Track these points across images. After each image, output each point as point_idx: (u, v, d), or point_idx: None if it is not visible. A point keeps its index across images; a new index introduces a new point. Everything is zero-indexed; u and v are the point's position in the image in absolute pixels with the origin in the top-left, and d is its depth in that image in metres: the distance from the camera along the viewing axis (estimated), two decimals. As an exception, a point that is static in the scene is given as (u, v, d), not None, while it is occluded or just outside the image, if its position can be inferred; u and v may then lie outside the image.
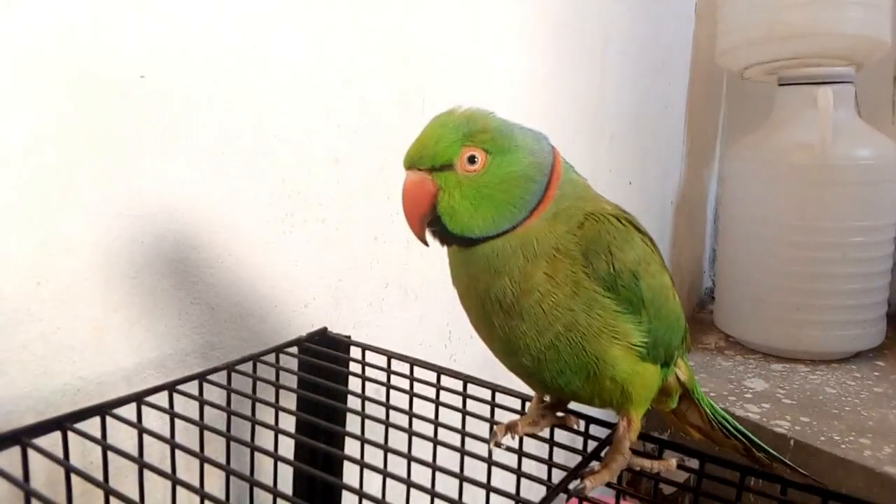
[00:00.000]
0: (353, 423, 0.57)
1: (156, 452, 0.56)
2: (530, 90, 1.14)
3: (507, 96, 1.08)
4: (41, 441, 0.44)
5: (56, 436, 0.45)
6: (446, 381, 0.61)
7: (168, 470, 0.48)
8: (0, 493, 0.49)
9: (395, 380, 0.61)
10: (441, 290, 0.93)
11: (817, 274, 1.50)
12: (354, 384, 0.61)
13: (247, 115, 0.66)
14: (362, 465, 0.47)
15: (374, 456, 0.51)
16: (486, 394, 0.58)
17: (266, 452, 0.47)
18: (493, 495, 0.48)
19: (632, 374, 0.46)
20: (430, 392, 0.59)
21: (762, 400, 1.36)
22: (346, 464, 0.54)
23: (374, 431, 0.55)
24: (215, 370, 0.56)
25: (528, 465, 0.50)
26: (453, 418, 0.56)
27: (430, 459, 0.48)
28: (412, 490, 0.46)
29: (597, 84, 1.37)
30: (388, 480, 0.46)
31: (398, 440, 0.53)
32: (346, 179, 0.78)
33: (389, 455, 0.50)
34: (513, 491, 0.45)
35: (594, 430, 0.54)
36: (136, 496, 0.43)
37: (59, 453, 0.44)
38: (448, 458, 0.50)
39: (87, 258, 0.55)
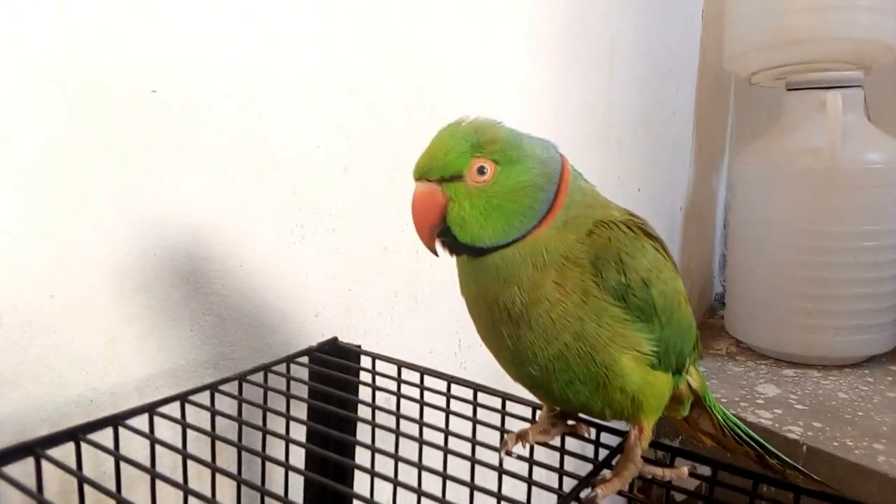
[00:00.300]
0: (363, 432, 0.57)
1: (168, 463, 0.56)
2: (538, 97, 1.15)
3: (515, 104, 1.08)
4: (55, 452, 0.44)
5: (69, 447, 0.46)
6: (456, 389, 0.61)
7: (180, 480, 0.48)
8: (15, 504, 0.49)
9: (405, 389, 0.61)
10: (450, 299, 0.93)
11: (828, 278, 1.49)
12: (365, 393, 0.61)
13: (257, 126, 0.67)
14: (373, 474, 0.47)
15: (384, 465, 0.51)
16: (496, 402, 0.58)
17: (277, 462, 0.47)
18: (503, 504, 0.48)
19: (643, 384, 0.46)
20: (441, 401, 0.59)
21: (774, 406, 1.35)
22: (357, 473, 0.54)
23: (385, 441, 0.55)
24: (227, 380, 0.57)
25: (539, 474, 0.50)
26: (464, 427, 0.56)
27: (440, 468, 0.48)
28: (423, 499, 0.46)
29: (604, 90, 1.37)
30: (399, 489, 0.46)
31: (409, 449, 0.53)
32: (355, 189, 0.79)
33: (400, 464, 0.50)
34: (524, 500, 0.45)
35: (605, 438, 0.54)
36: (149, 507, 0.43)
37: (73, 464, 0.44)
38: (459, 467, 0.50)
39: (100, 270, 0.55)
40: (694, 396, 0.55)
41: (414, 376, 0.62)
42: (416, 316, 0.91)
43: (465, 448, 0.52)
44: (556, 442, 0.54)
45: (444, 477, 0.47)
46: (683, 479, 0.49)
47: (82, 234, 0.54)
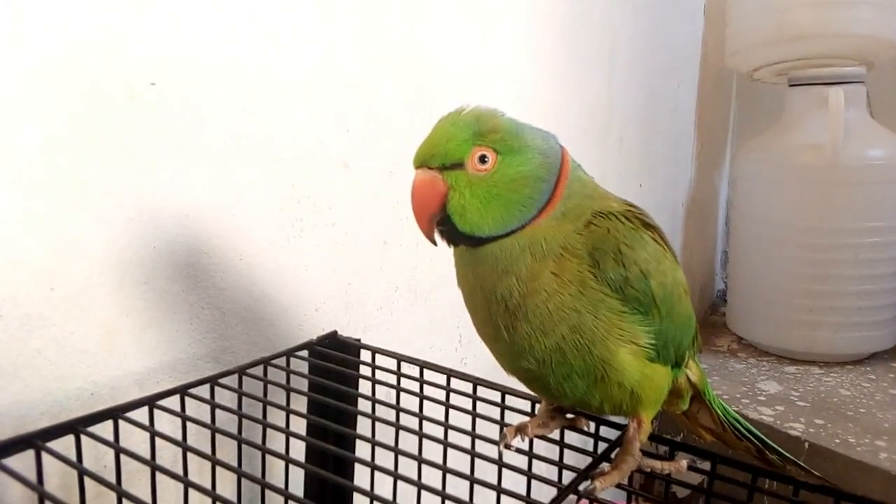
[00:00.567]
0: (363, 425, 0.57)
1: (168, 455, 0.56)
2: (539, 94, 1.14)
3: (516, 100, 1.08)
4: (55, 444, 0.44)
5: (69, 439, 0.46)
6: (456, 383, 0.61)
7: (180, 473, 0.48)
8: (15, 496, 0.49)
9: (405, 382, 0.61)
10: (450, 294, 0.92)
11: (830, 275, 1.49)
12: (365, 387, 0.61)
13: (256, 120, 0.67)
14: (373, 467, 0.47)
15: (384, 458, 0.51)
16: (496, 396, 0.58)
17: (277, 455, 0.47)
18: (503, 497, 0.48)
19: (641, 378, 0.46)
20: (440, 395, 0.59)
21: (776, 402, 1.35)
22: (357, 466, 0.55)
23: (385, 434, 0.55)
24: (226, 374, 0.57)
25: (539, 467, 0.50)
26: (463, 420, 0.56)
27: (440, 461, 0.48)
28: (423, 492, 0.46)
29: (605, 87, 1.37)
30: (399, 483, 0.46)
31: (408, 442, 0.53)
32: (355, 184, 0.79)
33: (400, 457, 0.50)
34: (523, 492, 0.45)
35: (604, 431, 0.54)
36: (148, 499, 0.43)
37: (73, 456, 0.45)
38: (458, 461, 0.50)
39: (100, 263, 0.55)
40: (693, 390, 0.55)
41: (414, 370, 0.62)
42: (416, 310, 0.91)
43: (465, 442, 0.52)
44: (556, 435, 0.54)
45: (444, 470, 0.47)
46: (683, 473, 0.49)
47: (81, 228, 0.54)
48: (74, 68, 0.52)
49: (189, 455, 0.51)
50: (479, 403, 0.59)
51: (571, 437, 0.53)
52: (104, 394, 0.56)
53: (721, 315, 1.93)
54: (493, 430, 0.54)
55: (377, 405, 0.58)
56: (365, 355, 0.65)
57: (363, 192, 0.80)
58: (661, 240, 0.48)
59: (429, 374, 0.62)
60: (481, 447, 0.52)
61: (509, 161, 0.44)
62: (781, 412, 1.30)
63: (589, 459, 0.49)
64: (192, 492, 0.41)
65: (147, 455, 0.47)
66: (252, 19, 0.65)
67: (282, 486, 0.58)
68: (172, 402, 0.52)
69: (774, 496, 0.46)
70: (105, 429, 0.47)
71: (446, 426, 0.55)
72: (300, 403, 0.61)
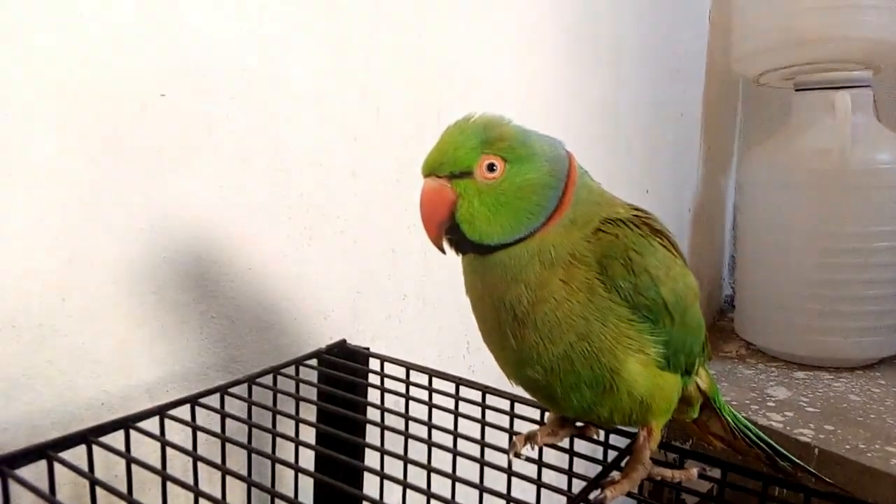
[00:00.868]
0: (372, 434, 0.57)
1: (178, 465, 0.56)
2: (545, 100, 1.15)
3: (522, 106, 1.08)
4: (67, 454, 0.45)
5: (81, 449, 0.46)
6: (465, 391, 0.61)
7: (191, 482, 0.48)
8: (27, 506, 0.49)
9: (413, 391, 0.61)
10: (458, 302, 0.93)
11: (839, 280, 1.48)
12: (374, 396, 0.61)
13: (265, 130, 0.67)
14: (382, 476, 0.47)
15: (393, 467, 0.51)
16: (505, 404, 0.58)
17: (287, 464, 0.47)
18: (513, 506, 0.48)
19: (651, 387, 0.45)
20: (449, 403, 0.59)
21: (785, 408, 1.34)
22: (367, 475, 0.54)
23: (394, 443, 0.55)
24: (236, 383, 0.57)
25: (548, 476, 0.50)
26: (472, 429, 0.56)
27: (449, 470, 0.49)
28: (432, 501, 0.46)
29: (611, 93, 1.37)
30: (409, 491, 0.46)
31: (418, 451, 0.53)
32: (363, 192, 0.79)
33: (409, 466, 0.50)
34: (533, 501, 0.46)
35: (614, 439, 0.53)
36: (160, 508, 0.43)
37: (84, 466, 0.45)
38: (468, 469, 0.50)
39: (111, 274, 0.56)
40: (703, 398, 0.55)
41: (422, 378, 0.62)
42: (424, 318, 0.91)
43: (474, 450, 0.52)
44: (565, 444, 0.54)
45: (454, 479, 0.47)
46: (693, 481, 0.49)
47: (93, 238, 0.54)
48: (86, 80, 0.53)
49: (199, 464, 0.51)
50: (488, 412, 0.59)
51: (581, 446, 0.53)
52: (115, 404, 0.56)
53: (729, 321, 1.92)
54: (502, 439, 0.54)
55: (386, 414, 0.58)
56: (374, 364, 0.65)
57: (371, 201, 0.80)
58: (671, 245, 0.47)
59: (437, 383, 0.62)
60: (490, 456, 0.52)
61: (517, 169, 0.44)
62: (791, 418, 1.30)
63: (599, 468, 0.49)
64: (202, 501, 0.41)
65: (158, 464, 0.47)
66: (260, 30, 0.66)
67: (291, 494, 0.59)
68: (183, 411, 0.52)
69: (785, 504, 0.45)
70: (116, 438, 0.48)
71: (455, 435, 0.55)
72: (309, 412, 0.61)
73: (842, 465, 1.14)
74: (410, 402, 0.60)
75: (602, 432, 0.54)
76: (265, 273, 0.68)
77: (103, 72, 0.54)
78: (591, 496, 0.45)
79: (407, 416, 0.57)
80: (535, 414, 0.57)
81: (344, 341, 0.67)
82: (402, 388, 0.61)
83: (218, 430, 0.53)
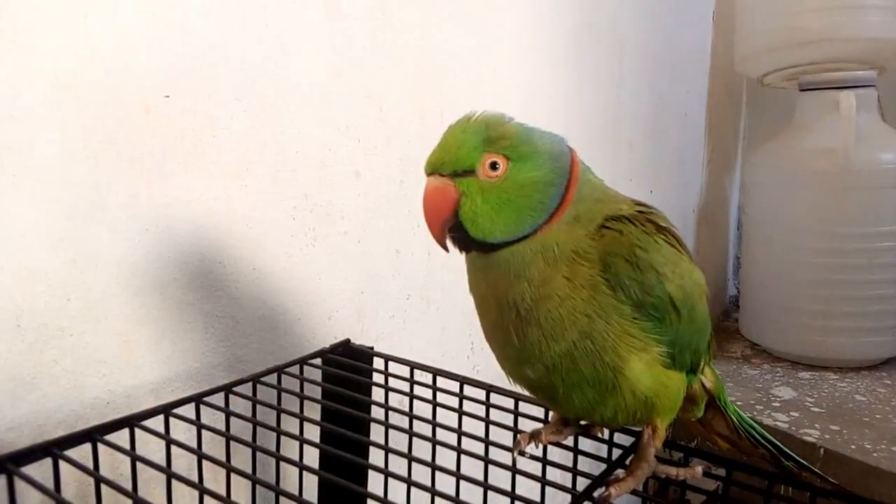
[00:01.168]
0: (376, 432, 0.57)
1: (183, 463, 0.56)
2: (548, 100, 1.15)
3: (525, 106, 1.08)
4: (72, 453, 0.45)
5: (86, 447, 0.46)
6: (469, 390, 0.61)
7: (195, 480, 0.48)
8: (33, 504, 0.50)
9: (418, 390, 0.61)
10: (462, 302, 0.93)
11: (844, 280, 1.48)
12: (378, 394, 0.61)
13: (269, 131, 0.67)
14: (387, 474, 0.47)
15: (398, 465, 0.51)
16: (509, 403, 0.58)
17: (291, 462, 0.47)
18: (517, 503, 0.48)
19: (655, 386, 0.45)
20: (454, 402, 0.59)
21: (790, 408, 1.34)
22: (371, 473, 0.55)
23: (398, 441, 0.55)
24: (241, 382, 0.57)
25: (553, 474, 0.50)
26: (477, 427, 0.56)
27: (454, 468, 0.49)
28: (437, 499, 0.46)
29: (615, 93, 1.37)
30: (413, 489, 0.46)
31: (422, 449, 0.53)
32: (366, 193, 0.79)
33: (414, 464, 0.50)
34: (537, 499, 0.45)
35: (619, 437, 0.53)
36: (165, 506, 0.44)
37: (90, 464, 0.45)
38: (472, 467, 0.50)
39: (116, 273, 0.56)
40: (708, 396, 0.55)
41: (426, 377, 0.62)
42: (428, 318, 0.91)
43: (479, 448, 0.52)
44: (570, 441, 0.54)
45: (458, 477, 0.47)
46: (698, 479, 0.49)
47: (97, 238, 0.55)
48: (90, 81, 0.53)
49: (204, 462, 0.51)
50: (492, 410, 0.59)
51: (585, 444, 0.53)
52: (120, 402, 0.57)
53: (734, 321, 1.92)
54: (506, 437, 0.54)
55: (390, 412, 0.58)
56: (378, 363, 0.66)
57: (375, 201, 0.80)
58: (677, 241, 0.47)
59: (442, 382, 0.62)
60: (495, 454, 0.52)
61: (520, 167, 0.44)
62: (796, 418, 1.29)
63: (603, 466, 0.49)
64: (207, 499, 0.41)
65: (163, 463, 0.47)
66: (264, 31, 0.66)
67: (296, 492, 0.59)
68: (188, 410, 0.52)
69: (791, 503, 0.45)
70: (121, 437, 0.48)
71: (459, 433, 0.55)
72: (314, 411, 0.61)
73: (847, 465, 1.13)
74: (415, 401, 0.60)
75: (606, 431, 0.54)
76: (269, 273, 0.69)
77: (108, 73, 0.54)
78: (596, 494, 0.45)
79: (411, 415, 0.57)
80: (539, 412, 0.57)
81: (348, 341, 0.67)
82: (406, 386, 0.62)
83: (223, 428, 0.53)
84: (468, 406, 0.59)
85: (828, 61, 1.51)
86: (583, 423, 0.54)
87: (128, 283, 0.57)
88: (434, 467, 0.49)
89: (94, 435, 0.47)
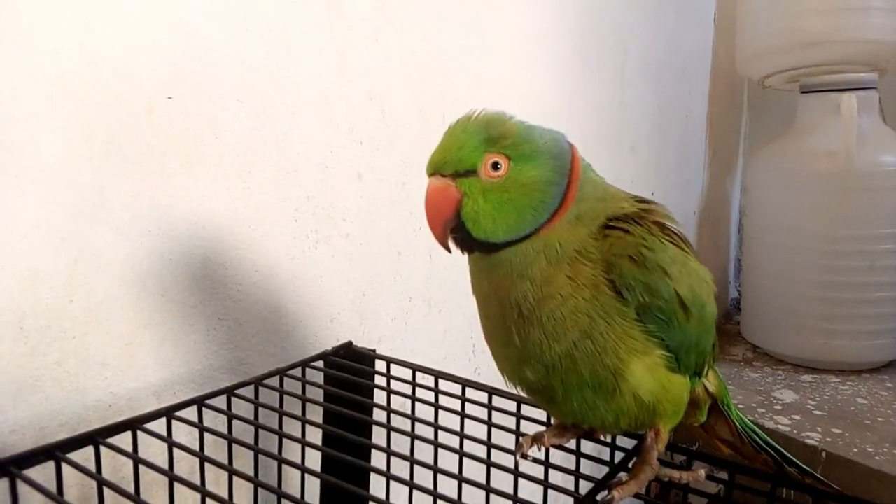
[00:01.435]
0: (378, 435, 0.57)
1: (185, 466, 0.56)
2: (551, 102, 1.15)
3: (527, 108, 1.07)
4: (74, 455, 0.45)
5: (89, 450, 0.46)
6: (471, 393, 0.61)
7: (197, 483, 0.48)
8: (35, 507, 0.50)
9: (420, 392, 0.61)
10: (464, 304, 0.93)
11: (846, 283, 1.48)
12: (380, 397, 0.61)
13: (271, 133, 0.67)
14: (389, 477, 0.47)
15: (400, 468, 0.51)
16: (511, 405, 0.58)
17: (293, 465, 0.47)
18: (520, 507, 0.48)
19: (658, 390, 0.45)
20: (456, 404, 0.59)
21: (792, 411, 1.34)
22: (373, 476, 0.55)
23: (400, 444, 0.55)
24: (243, 384, 0.57)
25: (555, 477, 0.50)
26: (479, 430, 0.56)
27: (456, 471, 0.48)
28: (439, 502, 0.46)
29: (617, 95, 1.37)
30: (415, 492, 0.46)
31: (424, 452, 0.53)
32: (368, 195, 0.79)
33: (416, 467, 0.50)
34: (540, 502, 0.45)
35: (621, 441, 0.53)
36: (167, 509, 0.44)
37: (92, 467, 0.45)
38: (474, 470, 0.50)
39: (118, 275, 0.56)
40: (711, 401, 0.54)
41: (428, 380, 0.62)
42: (430, 321, 0.91)
43: (481, 451, 0.52)
44: (572, 445, 0.54)
45: (460, 480, 0.47)
46: (701, 482, 0.49)
47: (100, 240, 0.55)
48: (93, 83, 0.53)
49: (206, 465, 0.51)
50: (494, 413, 0.59)
51: (588, 447, 0.53)
52: (122, 405, 0.57)
53: (735, 324, 1.92)
54: (508, 440, 0.54)
55: (392, 415, 0.58)
56: (380, 365, 0.65)
57: (377, 203, 0.80)
58: (681, 241, 0.47)
59: (444, 384, 0.62)
60: (497, 457, 0.52)
61: (521, 167, 0.44)
62: (798, 421, 1.29)
63: (606, 469, 0.49)
64: (209, 501, 0.41)
65: (165, 465, 0.47)
66: (266, 33, 0.66)
67: (298, 495, 0.59)
68: (190, 412, 0.52)
69: (793, 506, 0.45)
70: (124, 440, 0.48)
71: (462, 436, 0.55)
72: (316, 413, 0.61)
73: (849, 468, 1.13)
74: (416, 404, 0.60)
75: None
76: (272, 275, 0.69)
77: (110, 74, 0.54)
78: (599, 497, 0.45)
79: (413, 418, 0.57)
80: (541, 415, 0.57)
81: (350, 343, 0.67)
82: (408, 389, 0.62)
83: (225, 431, 0.53)
84: (470, 409, 0.59)
85: (829, 63, 1.51)
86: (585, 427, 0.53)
87: (130, 285, 0.57)
88: (436, 470, 0.49)
89: (96, 438, 0.47)
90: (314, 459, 0.60)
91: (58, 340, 0.52)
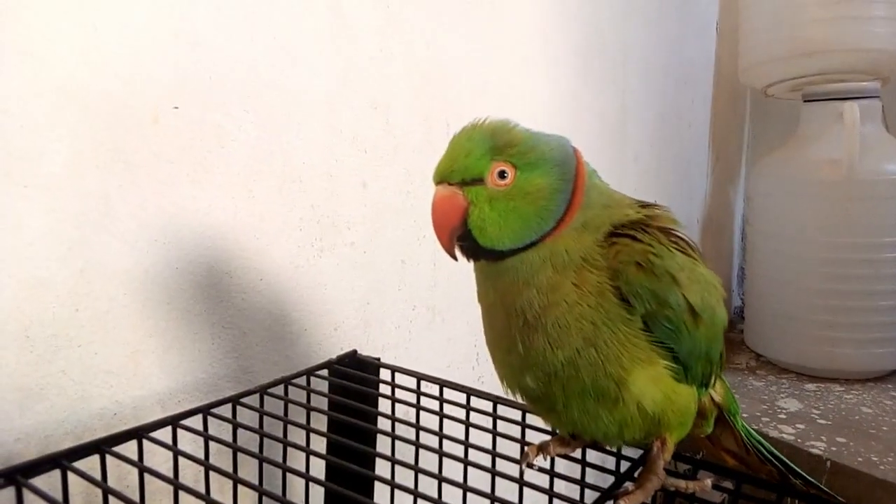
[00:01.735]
0: (383, 444, 0.57)
1: (190, 474, 0.56)
2: (554, 111, 1.15)
3: (530, 117, 1.08)
4: (80, 464, 0.45)
5: (94, 459, 0.46)
6: (476, 402, 0.60)
7: (202, 491, 0.48)
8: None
9: (424, 401, 0.61)
10: (468, 312, 0.93)
11: (849, 291, 1.47)
12: (384, 406, 0.61)
13: (276, 142, 0.68)
14: (393, 485, 0.47)
15: (404, 477, 0.51)
16: (516, 414, 0.58)
17: (298, 473, 0.47)
18: (525, 516, 0.48)
19: (662, 400, 0.44)
20: (460, 413, 0.59)
21: (796, 420, 1.33)
22: (378, 484, 0.55)
23: (405, 453, 0.55)
24: (248, 393, 0.57)
25: (560, 486, 0.50)
26: (484, 439, 0.56)
27: (461, 480, 0.48)
28: (444, 511, 0.46)
29: (619, 104, 1.37)
30: (420, 501, 0.46)
31: (429, 461, 0.53)
32: (373, 204, 0.79)
33: (420, 476, 0.50)
34: (545, 512, 0.45)
35: (627, 450, 0.53)
36: (172, 518, 0.44)
37: (97, 476, 0.45)
38: (479, 479, 0.49)
39: (124, 284, 0.56)
40: (718, 411, 0.54)
41: (433, 389, 0.62)
42: (433, 329, 0.91)
43: (486, 460, 0.52)
44: (578, 454, 0.54)
45: (465, 489, 0.47)
46: (707, 492, 0.48)
47: (106, 248, 0.55)
48: (100, 92, 0.54)
49: (211, 473, 0.51)
50: (499, 422, 0.58)
51: (593, 456, 0.53)
52: (127, 413, 0.57)
53: (739, 332, 1.91)
54: (513, 449, 0.54)
55: (397, 424, 0.58)
56: (384, 374, 0.65)
57: (381, 212, 0.81)
58: (689, 248, 0.46)
59: (448, 393, 0.62)
60: (502, 466, 0.52)
61: (527, 175, 0.44)
62: (802, 430, 1.29)
63: (611, 479, 0.49)
64: (214, 511, 0.41)
65: (170, 474, 0.47)
66: (271, 42, 0.66)
67: (303, 503, 0.59)
68: (195, 421, 0.52)
69: (800, 516, 0.45)
70: (129, 448, 0.48)
71: (466, 444, 0.55)
72: (320, 422, 0.61)
73: (854, 477, 1.12)
74: (421, 413, 0.60)
75: (614, 443, 0.53)
76: (276, 284, 0.69)
77: (117, 84, 0.55)
78: (604, 507, 0.45)
79: (418, 426, 0.57)
80: (546, 424, 0.57)
81: (355, 352, 0.67)
82: (412, 398, 0.61)
83: (229, 439, 0.53)
84: (475, 418, 0.59)
85: (832, 72, 1.51)
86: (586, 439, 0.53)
87: (136, 294, 0.57)
88: (441, 479, 0.48)
89: (102, 446, 0.47)
90: (319, 468, 0.59)
91: (63, 349, 0.53)
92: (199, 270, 0.61)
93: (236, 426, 0.54)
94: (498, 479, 0.50)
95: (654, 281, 0.43)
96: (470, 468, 0.52)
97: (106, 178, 0.54)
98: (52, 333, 0.52)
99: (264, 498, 0.59)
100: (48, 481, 0.43)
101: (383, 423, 0.59)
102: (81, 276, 0.53)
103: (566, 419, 0.46)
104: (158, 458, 0.53)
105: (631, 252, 0.43)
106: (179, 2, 0.59)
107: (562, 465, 0.53)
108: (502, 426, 0.58)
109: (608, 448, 0.53)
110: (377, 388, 0.64)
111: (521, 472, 0.49)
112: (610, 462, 0.53)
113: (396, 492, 0.48)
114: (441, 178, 0.45)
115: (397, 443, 0.55)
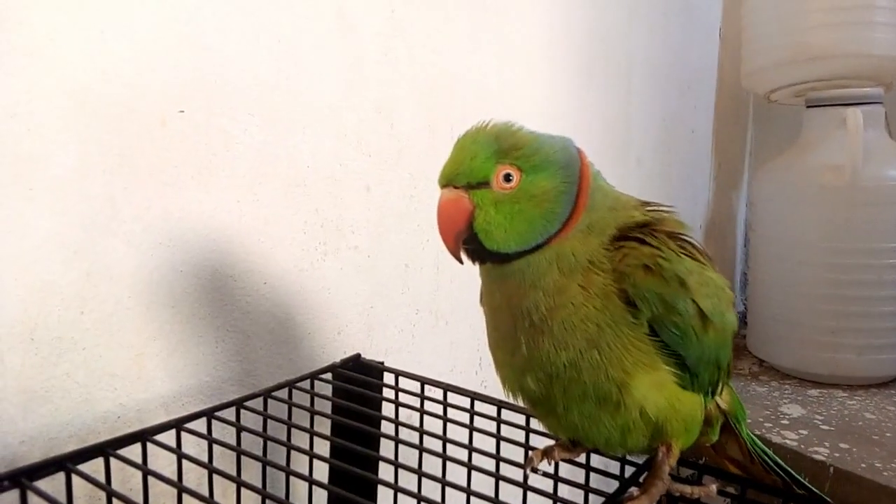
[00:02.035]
0: (386, 448, 0.57)
1: (194, 477, 0.56)
2: (557, 116, 1.15)
3: (534, 121, 1.08)
4: (84, 467, 0.45)
5: (98, 462, 0.46)
6: (480, 406, 0.60)
7: (206, 494, 0.48)
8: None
9: (428, 405, 0.61)
10: (471, 316, 0.93)
11: (852, 297, 1.47)
12: (388, 409, 0.61)
13: (281, 145, 0.68)
14: (397, 489, 0.47)
15: (408, 481, 0.51)
16: (520, 419, 0.58)
17: (301, 477, 0.47)
18: (529, 521, 0.48)
19: (666, 406, 0.44)
20: (464, 417, 0.59)
21: (799, 426, 1.33)
22: (381, 488, 0.54)
23: (408, 457, 0.55)
24: (252, 396, 0.57)
25: (564, 491, 0.50)
26: (487, 443, 0.56)
27: (464, 484, 0.48)
28: (448, 515, 0.46)
29: (622, 109, 1.38)
30: (424, 505, 0.46)
31: (432, 465, 0.53)
32: (377, 207, 0.79)
33: (424, 480, 0.50)
34: (550, 516, 0.45)
35: (632, 455, 0.53)
36: (176, 521, 0.44)
37: (102, 478, 0.45)
38: (483, 484, 0.49)
39: (129, 287, 0.56)
40: (724, 419, 0.54)
41: (437, 393, 0.62)
42: (437, 333, 0.91)
43: (490, 464, 0.52)
44: (582, 459, 0.53)
45: (469, 493, 0.47)
46: (712, 497, 0.48)
47: (111, 251, 0.55)
48: (106, 96, 0.54)
49: (215, 476, 0.51)
50: (503, 426, 0.58)
51: (598, 461, 0.53)
52: (131, 416, 0.57)
53: (741, 338, 1.91)
54: (517, 453, 0.54)
55: (400, 427, 0.58)
56: (388, 378, 0.65)
57: (385, 216, 0.81)
58: (696, 252, 0.46)
59: (452, 397, 0.62)
60: (506, 470, 0.52)
61: (533, 178, 0.44)
62: (805, 436, 1.28)
63: (615, 484, 0.49)
64: (218, 514, 0.41)
65: (174, 477, 0.47)
66: (277, 47, 0.67)
67: (307, 508, 0.59)
68: (199, 424, 0.52)
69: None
70: (133, 451, 0.48)
71: (470, 449, 0.55)
72: (324, 426, 0.61)
73: (858, 484, 1.12)
74: (425, 416, 0.59)
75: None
76: (280, 287, 0.69)
77: (123, 88, 0.55)
78: (609, 512, 0.44)
79: (421, 430, 0.57)
80: (548, 430, 0.56)
81: (358, 355, 0.67)
82: (416, 402, 0.61)
83: (233, 443, 0.53)
84: (479, 422, 0.59)
85: (835, 78, 1.51)
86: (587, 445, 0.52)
87: (141, 297, 0.57)
88: (444, 483, 0.48)
89: (106, 449, 0.47)
90: (322, 472, 0.59)
91: (68, 352, 0.53)
92: (203, 273, 0.61)
93: (240, 429, 0.54)
94: (502, 484, 0.50)
95: (663, 285, 0.42)
96: (473, 472, 0.51)
97: (112, 181, 0.55)
98: (57, 336, 0.52)
99: (268, 501, 0.59)
100: (52, 484, 0.43)
101: (387, 427, 0.59)
102: (87, 278, 0.53)
103: (566, 423, 0.46)
104: (162, 461, 0.53)
105: (639, 255, 0.43)
106: (186, 7, 0.59)
107: (566, 470, 0.53)
108: (506, 430, 0.58)
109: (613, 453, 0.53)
110: (381, 392, 0.63)
111: (525, 477, 0.49)
112: (614, 467, 0.53)
113: (400, 495, 0.48)
114: (446, 182, 0.45)
115: (401, 447, 0.55)
